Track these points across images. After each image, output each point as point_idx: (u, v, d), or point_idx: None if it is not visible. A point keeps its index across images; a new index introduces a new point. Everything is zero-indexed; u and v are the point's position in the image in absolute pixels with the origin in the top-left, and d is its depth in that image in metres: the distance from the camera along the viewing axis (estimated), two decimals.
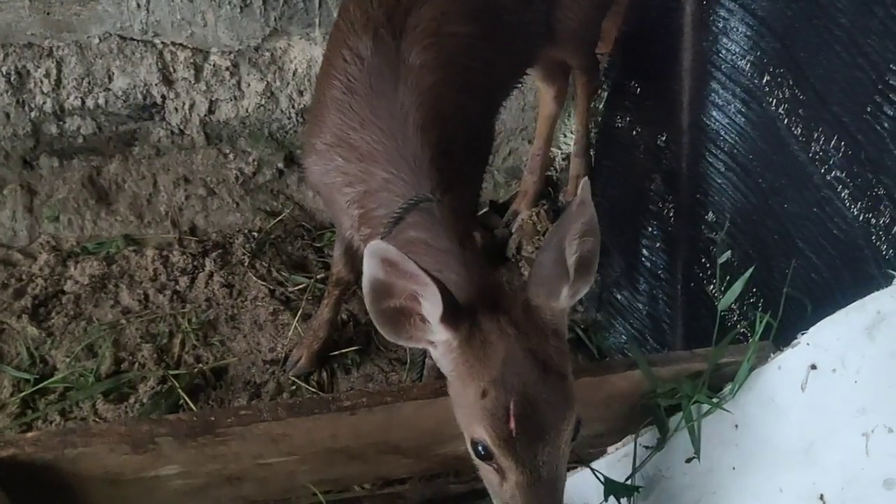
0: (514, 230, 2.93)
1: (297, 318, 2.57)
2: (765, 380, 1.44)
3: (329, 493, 1.66)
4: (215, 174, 2.86)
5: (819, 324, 1.40)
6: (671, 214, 2.24)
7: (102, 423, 2.06)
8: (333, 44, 1.89)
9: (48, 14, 2.49)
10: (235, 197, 2.87)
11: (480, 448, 1.39)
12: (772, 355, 1.46)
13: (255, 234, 2.82)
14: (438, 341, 1.47)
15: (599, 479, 1.53)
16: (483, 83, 1.91)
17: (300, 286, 2.68)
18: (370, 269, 1.36)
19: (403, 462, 1.60)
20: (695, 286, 2.13)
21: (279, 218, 2.85)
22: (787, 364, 1.42)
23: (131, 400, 2.36)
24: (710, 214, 1.99)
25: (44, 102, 2.63)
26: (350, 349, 2.54)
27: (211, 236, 2.81)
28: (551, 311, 1.46)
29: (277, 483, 1.59)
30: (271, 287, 2.67)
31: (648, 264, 2.37)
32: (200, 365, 2.47)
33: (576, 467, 1.61)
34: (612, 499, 1.53)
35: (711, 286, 2.05)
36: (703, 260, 2.08)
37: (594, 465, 1.57)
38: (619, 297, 2.50)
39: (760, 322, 1.50)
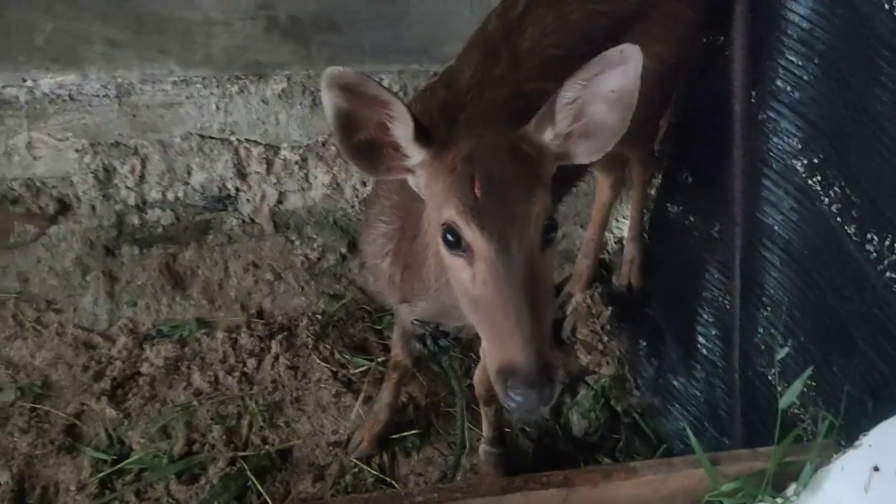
0: (568, 312, 2.99)
1: (359, 401, 2.66)
2: (828, 481, 1.46)
3: None
4: (282, 260, 3.01)
5: (881, 425, 1.43)
6: (726, 303, 2.28)
7: None
8: None
9: (134, 116, 2.70)
10: (301, 281, 3.01)
11: (449, 235, 1.40)
12: (835, 456, 1.48)
13: (319, 316, 2.93)
14: (415, 165, 1.49)
15: None
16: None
17: (362, 368, 2.78)
18: (330, 100, 1.36)
19: None
20: (752, 375, 2.15)
21: (342, 301, 2.97)
22: (850, 465, 1.44)
23: (202, 481, 2.46)
24: (767, 307, 2.03)
25: (128, 196, 2.83)
26: (410, 432, 2.60)
27: (277, 319, 2.93)
28: (533, 141, 1.49)
29: None
30: (334, 369, 2.77)
31: (705, 351, 2.41)
32: (267, 447, 2.57)
33: None
34: None
35: (770, 376, 2.08)
36: (762, 349, 2.11)
37: None
38: (675, 382, 2.52)
39: (823, 421, 1.53)
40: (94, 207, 2.86)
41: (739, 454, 1.59)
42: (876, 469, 1.41)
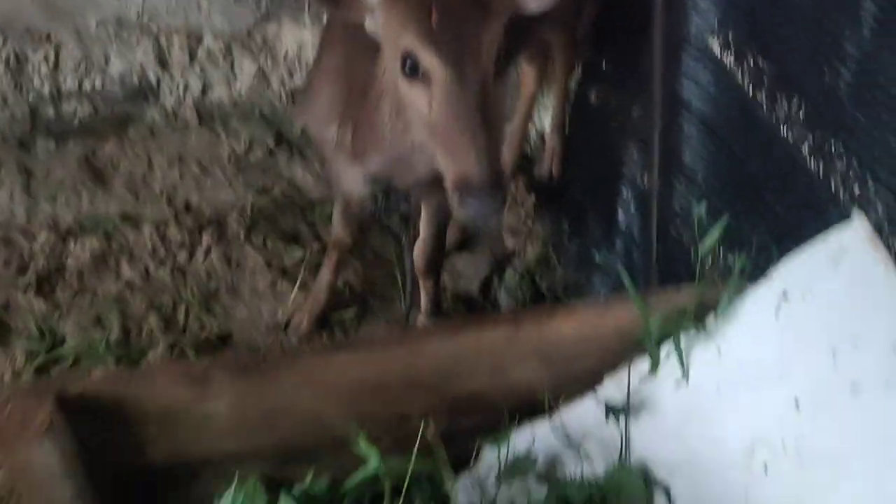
0: None
1: (296, 287, 2.72)
2: (743, 309, 1.65)
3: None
4: (208, 153, 2.99)
5: (788, 258, 1.62)
6: (645, 180, 2.45)
7: (162, 361, 2.18)
8: None
9: (46, 1, 2.57)
10: (228, 175, 2.99)
11: (408, 61, 1.53)
12: (747, 288, 1.68)
13: (249, 209, 2.94)
14: (374, 3, 1.59)
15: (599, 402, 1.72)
16: None
17: (296, 257, 2.82)
18: None
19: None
20: (669, 242, 2.34)
21: (271, 194, 2.98)
22: (762, 295, 1.63)
23: (142, 366, 2.48)
24: (684, 177, 2.20)
25: (41, 86, 2.72)
26: (348, 311, 2.69)
27: (206, 213, 2.92)
28: None
29: (311, 423, 1.73)
30: (268, 259, 2.81)
31: (624, 227, 2.59)
32: (205, 333, 2.60)
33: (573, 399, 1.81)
34: (610, 420, 1.72)
35: (683, 242, 2.27)
36: (677, 219, 2.30)
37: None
38: (596, 256, 2.71)
39: (737, 263, 1.71)
40: (5, 99, 2.74)
41: (666, 292, 1.76)
42: (785, 296, 1.60)
